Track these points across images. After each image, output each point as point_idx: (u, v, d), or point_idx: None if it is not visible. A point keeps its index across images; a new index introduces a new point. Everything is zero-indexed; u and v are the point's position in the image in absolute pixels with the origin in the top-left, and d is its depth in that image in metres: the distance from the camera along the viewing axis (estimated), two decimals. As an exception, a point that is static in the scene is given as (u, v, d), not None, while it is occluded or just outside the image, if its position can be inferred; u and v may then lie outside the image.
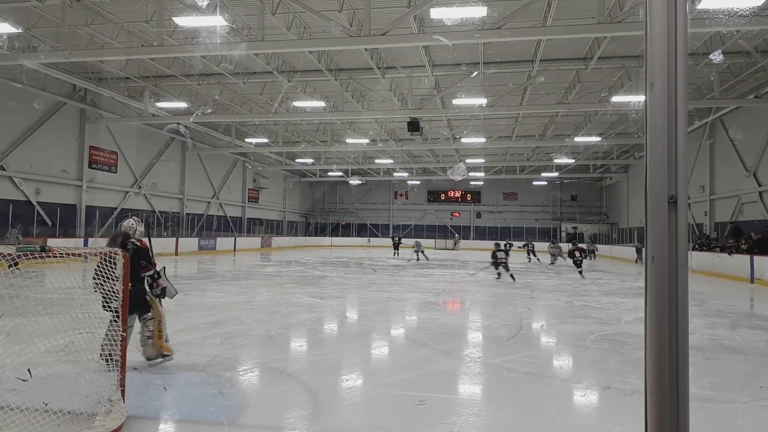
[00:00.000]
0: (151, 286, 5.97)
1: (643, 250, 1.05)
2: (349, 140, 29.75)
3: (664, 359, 0.98)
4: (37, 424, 3.80)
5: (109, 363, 4.74)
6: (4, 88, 19.05)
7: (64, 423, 3.92)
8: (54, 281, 4.78)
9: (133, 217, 5.99)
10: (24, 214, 20.79)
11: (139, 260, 5.81)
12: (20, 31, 14.30)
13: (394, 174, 44.48)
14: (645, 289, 1.04)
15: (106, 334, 4.99)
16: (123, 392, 4.31)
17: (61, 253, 4.32)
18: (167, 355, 5.99)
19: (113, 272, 4.82)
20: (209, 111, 22.19)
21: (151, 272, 5.97)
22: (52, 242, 18.29)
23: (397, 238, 32.76)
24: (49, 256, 4.17)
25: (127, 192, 26.95)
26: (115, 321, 4.76)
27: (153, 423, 4.30)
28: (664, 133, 1.00)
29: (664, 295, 0.98)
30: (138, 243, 5.93)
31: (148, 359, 5.88)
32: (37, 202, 21.36)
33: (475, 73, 18.55)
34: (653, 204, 1.02)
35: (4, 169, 19.86)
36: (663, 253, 0.99)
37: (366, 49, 16.67)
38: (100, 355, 4.96)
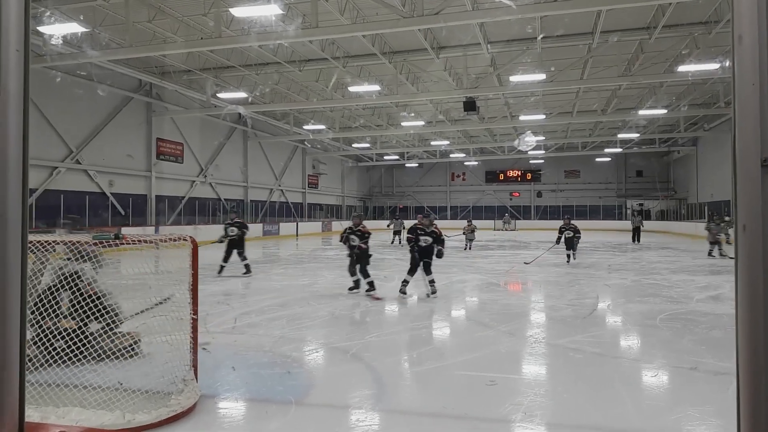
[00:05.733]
0: None
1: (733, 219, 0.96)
2: (404, 123, 29.62)
3: (759, 336, 0.91)
4: (117, 402, 4.03)
5: None
6: (76, 86, 20.04)
7: (142, 401, 4.12)
8: (129, 268, 5.01)
9: None
10: (99, 205, 21.94)
11: None
12: (88, 30, 14.97)
13: (451, 155, 44.01)
14: (735, 261, 0.97)
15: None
16: (195, 372, 4.49)
17: (134, 241, 4.52)
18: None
19: None
20: (266, 90, 22.80)
21: None
22: (125, 231, 19.25)
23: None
24: (123, 244, 4.38)
25: (194, 181, 27.94)
26: None
27: (224, 402, 4.46)
28: (755, 89, 0.92)
29: (758, 267, 0.91)
30: None
31: None
32: (111, 193, 22.47)
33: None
34: (743, 168, 0.94)
35: (80, 163, 20.96)
36: (756, 222, 0.91)
37: (419, 29, 16.47)
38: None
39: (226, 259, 12.75)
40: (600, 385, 4.92)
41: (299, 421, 4.10)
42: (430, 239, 9.74)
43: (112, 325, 5.33)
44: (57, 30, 14.68)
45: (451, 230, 34.27)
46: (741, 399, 0.96)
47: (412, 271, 9.87)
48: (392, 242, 25.98)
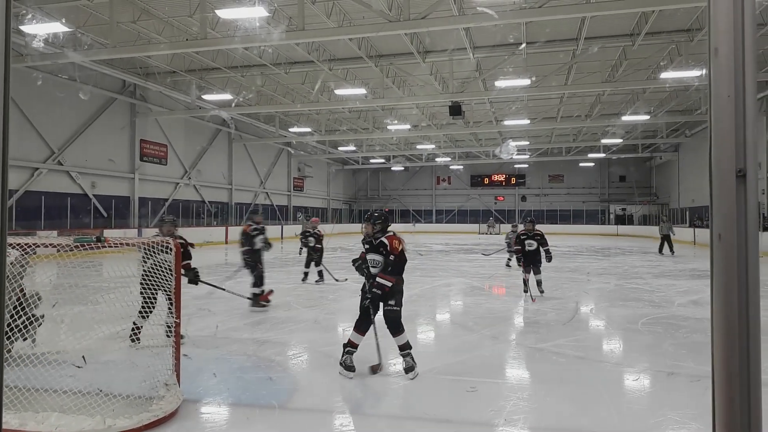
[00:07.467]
0: None
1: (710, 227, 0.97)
2: (390, 127, 29.66)
3: (733, 342, 0.93)
4: (97, 407, 3.97)
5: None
6: (58, 86, 19.78)
7: (123, 406, 4.07)
8: (110, 270, 4.95)
9: None
10: (81, 207, 21.66)
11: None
12: (71, 30, 14.79)
13: (436, 159, 44.17)
14: (711, 269, 0.99)
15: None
16: (178, 377, 4.44)
17: (117, 243, 4.47)
18: None
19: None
20: (250, 95, 22.62)
21: None
22: (107, 233, 19.03)
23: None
24: (105, 246, 4.33)
25: (178, 183, 27.71)
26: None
27: (207, 406, 4.42)
28: (730, 101, 0.94)
29: (733, 275, 0.93)
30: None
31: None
32: (93, 195, 22.21)
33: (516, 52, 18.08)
34: (719, 178, 0.96)
35: (62, 164, 20.69)
36: (731, 231, 0.93)
37: (406, 33, 16.52)
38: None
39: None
40: (582, 389, 4.96)
41: (282, 425, 4.08)
42: (380, 259, 5.35)
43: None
44: (39, 30, 14.48)
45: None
46: (716, 403, 0.98)
47: (362, 327, 5.35)
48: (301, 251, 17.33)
